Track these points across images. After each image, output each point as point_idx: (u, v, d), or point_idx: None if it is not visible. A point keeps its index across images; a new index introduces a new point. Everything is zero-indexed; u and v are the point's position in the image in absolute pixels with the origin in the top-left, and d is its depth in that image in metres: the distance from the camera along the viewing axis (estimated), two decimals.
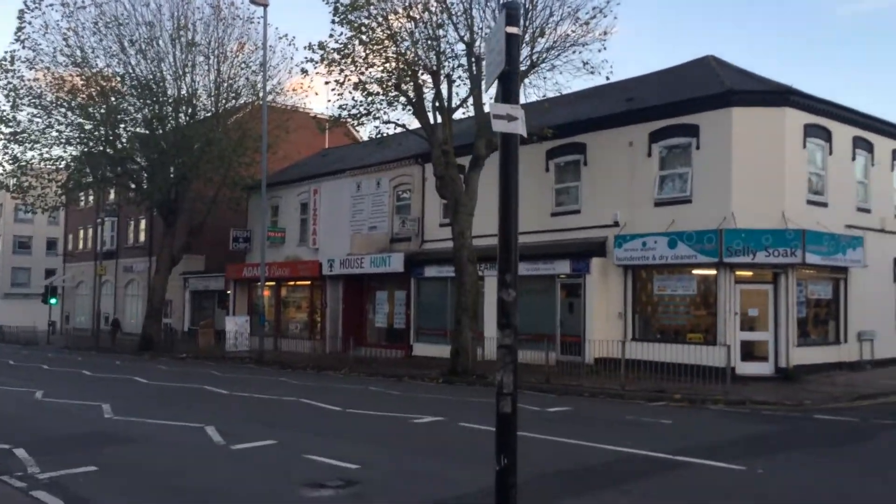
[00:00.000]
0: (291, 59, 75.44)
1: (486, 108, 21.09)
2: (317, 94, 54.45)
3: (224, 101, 33.88)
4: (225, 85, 33.65)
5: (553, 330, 21.97)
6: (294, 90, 35.09)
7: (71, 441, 10.84)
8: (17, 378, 21.17)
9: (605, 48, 20.55)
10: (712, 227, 18.45)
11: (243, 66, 33.67)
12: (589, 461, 9.05)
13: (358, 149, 35.46)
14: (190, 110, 33.38)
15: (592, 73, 20.18)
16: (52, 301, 40.85)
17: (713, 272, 18.84)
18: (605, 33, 20.82)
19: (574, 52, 20.12)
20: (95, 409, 14.17)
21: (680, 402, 14.76)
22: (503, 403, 5.17)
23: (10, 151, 32.31)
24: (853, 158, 21.01)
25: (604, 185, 21.57)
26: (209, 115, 33.48)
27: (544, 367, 20.21)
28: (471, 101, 21.25)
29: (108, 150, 33.21)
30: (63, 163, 33.82)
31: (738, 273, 18.61)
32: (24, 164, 32.74)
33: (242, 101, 34.79)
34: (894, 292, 22.09)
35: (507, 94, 5.27)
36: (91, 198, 45.41)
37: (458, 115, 21.97)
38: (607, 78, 20.85)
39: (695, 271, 19.38)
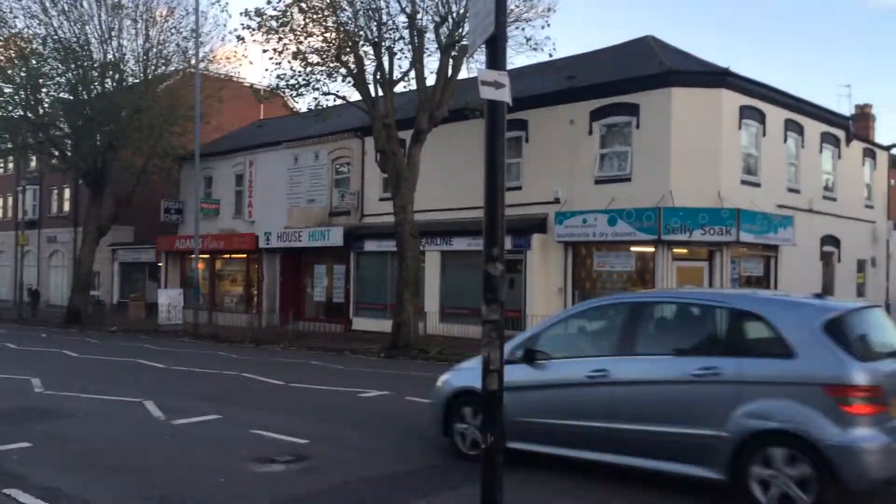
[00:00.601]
0: (224, 26, 73.44)
1: (429, 82, 20.96)
2: (251, 63, 53.03)
3: (153, 68, 32.56)
4: (154, 51, 32.31)
5: None
6: (227, 59, 34.07)
7: (2, 416, 10.37)
8: None
9: (548, 24, 20.55)
10: (651, 205, 18.84)
11: (173, 31, 32.36)
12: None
13: (294, 121, 34.61)
14: (117, 76, 31.98)
15: (535, 49, 20.28)
16: None
17: (651, 249, 19.30)
18: (549, 10, 20.92)
19: (517, 27, 20.09)
20: (24, 384, 13.60)
21: None
22: (490, 380, 5.06)
23: None
24: (784, 140, 21.74)
25: (545, 162, 21.74)
26: (138, 81, 32.18)
27: None
28: (412, 74, 21.05)
29: (28, 115, 31.61)
30: None
31: (675, 250, 19.10)
32: None
33: (173, 69, 33.55)
34: (820, 270, 23.10)
35: (495, 59, 5.16)
36: (11, 165, 43.24)
37: (398, 88, 21.73)
38: (550, 55, 20.99)
39: (633, 248, 19.81)
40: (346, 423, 9.76)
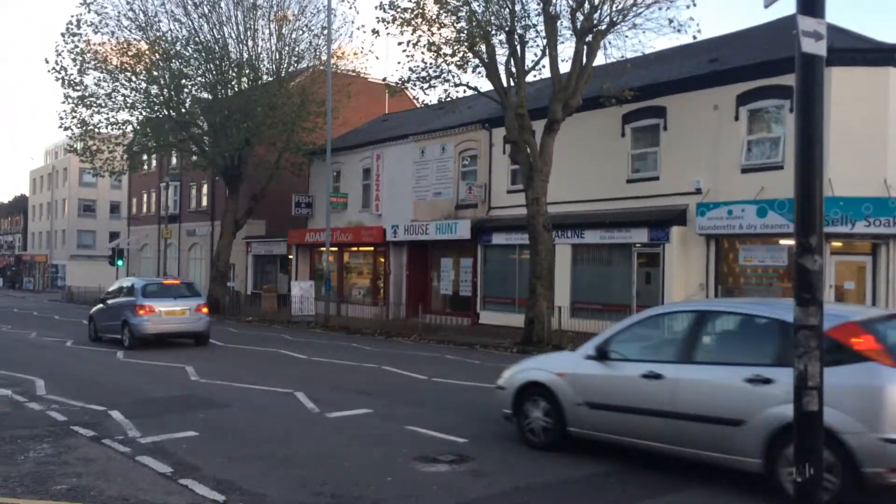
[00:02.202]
0: (353, 22, 74.98)
1: (563, 69, 20.34)
2: (377, 58, 54.05)
3: (286, 66, 33.64)
4: (287, 49, 33.38)
5: (629, 300, 21.33)
6: (355, 54, 34.66)
7: (164, 404, 10.75)
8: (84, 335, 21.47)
9: (694, 4, 19.37)
10: None
11: (305, 29, 33.29)
12: None
13: (419, 114, 34.87)
14: (252, 74, 33.22)
15: (679, 31, 19.20)
16: (119, 263, 41.60)
17: None
18: None
19: (658, 7, 19.12)
20: (180, 371, 14.16)
21: None
22: (807, 399, 4.25)
23: (77, 115, 32.62)
24: None
25: (685, 150, 20.65)
26: (271, 79, 33.29)
27: None
28: (544, 62, 20.55)
29: (171, 114, 33.34)
30: (129, 127, 34.05)
31: (833, 244, 17.65)
32: (91, 127, 33.08)
33: (304, 66, 34.51)
34: None
35: (812, 4, 4.28)
36: (154, 162, 45.91)
37: (529, 78, 21.22)
38: (694, 37, 19.85)
39: (785, 241, 18.45)
40: (501, 423, 9.40)
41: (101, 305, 20.76)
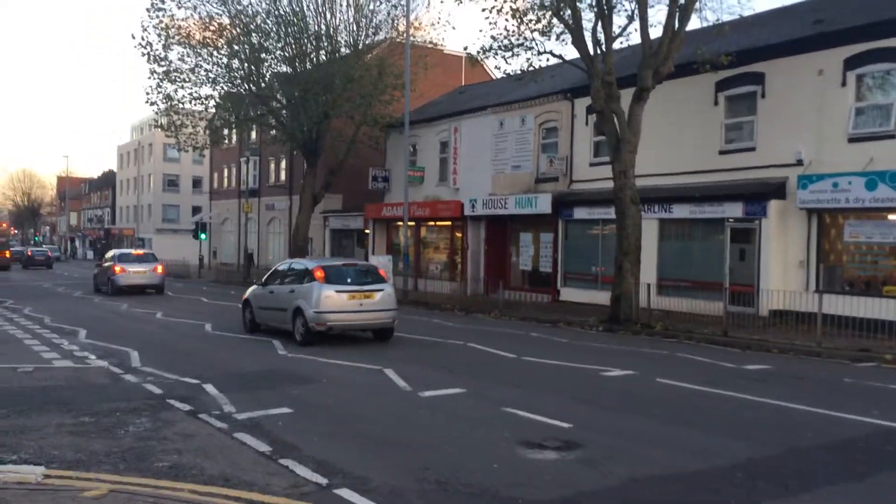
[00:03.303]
0: None
1: (653, 34, 19.36)
2: (454, 28, 53.00)
3: (363, 37, 33.43)
4: (364, 20, 33.13)
5: (721, 278, 20.33)
6: (432, 25, 34.11)
7: (255, 378, 10.71)
8: (181, 310, 21.93)
9: None
10: None
11: (383, 0, 32.92)
12: (841, 434, 7.72)
13: (496, 86, 34.18)
14: (330, 47, 33.16)
15: None
16: (202, 236, 42.62)
17: None
18: None
19: None
20: (268, 345, 14.20)
21: (893, 364, 13.06)
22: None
23: (163, 90, 33.27)
24: None
25: (785, 119, 19.43)
26: (349, 52, 33.16)
27: (713, 318, 18.90)
28: (634, 27, 19.62)
29: (251, 89, 33.63)
30: (211, 101, 34.56)
31: None
32: (175, 102, 33.71)
33: (381, 37, 34.23)
34: None
35: None
36: (234, 137, 46.69)
37: (615, 45, 20.30)
38: None
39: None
40: (605, 407, 8.99)
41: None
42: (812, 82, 18.83)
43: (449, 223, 31.29)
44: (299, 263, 16.37)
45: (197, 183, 72.92)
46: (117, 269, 28.61)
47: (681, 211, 21.49)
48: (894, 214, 17.23)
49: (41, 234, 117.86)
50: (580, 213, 24.90)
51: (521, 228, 28.02)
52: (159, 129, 39.57)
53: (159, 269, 29.74)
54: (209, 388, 9.83)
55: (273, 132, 36.40)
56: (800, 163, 18.95)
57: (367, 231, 36.49)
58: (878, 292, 17.55)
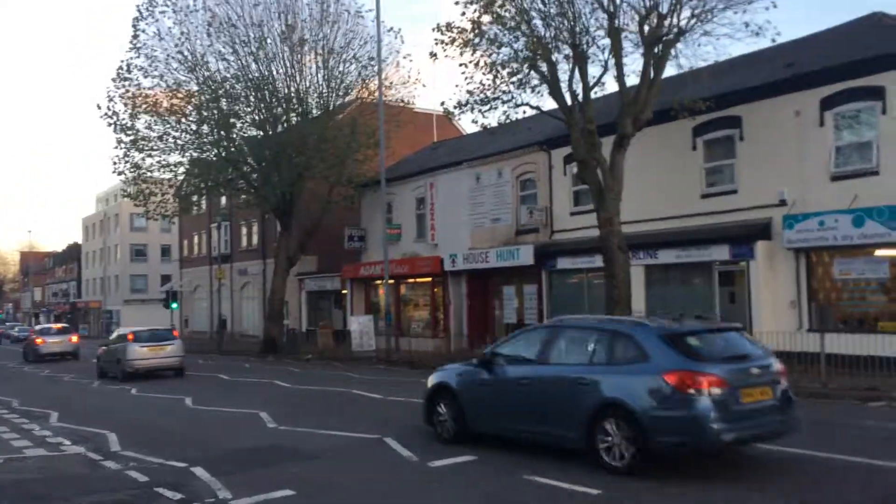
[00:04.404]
0: (398, 52, 75.31)
1: (630, 82, 19.40)
2: (424, 86, 53.34)
3: (334, 98, 33.38)
4: (335, 82, 33.11)
5: None
6: (403, 84, 34.24)
7: (248, 456, 9.94)
8: (157, 384, 20.95)
9: (774, 5, 18.26)
10: None
11: (353, 60, 33.00)
12: (885, 482, 7.25)
13: (470, 140, 34.27)
14: (300, 109, 33.02)
15: (757, 34, 18.08)
16: (174, 306, 41.53)
17: None
18: None
19: (734, 11, 18.06)
20: (254, 418, 13.39)
21: None
22: None
23: (130, 159, 32.73)
24: None
25: (765, 161, 19.47)
26: (320, 113, 33.03)
27: None
28: (609, 76, 19.71)
29: (221, 153, 33.20)
30: (181, 168, 34.03)
31: None
32: (143, 171, 33.13)
33: (352, 97, 34.23)
34: None
35: None
36: (203, 203, 46.04)
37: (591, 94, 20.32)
38: (773, 40, 18.66)
39: (886, 251, 17.10)
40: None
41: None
42: (790, 123, 18.95)
43: (429, 279, 30.80)
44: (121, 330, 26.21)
45: (165, 251, 71.71)
46: (38, 340, 35.34)
47: (667, 256, 21.27)
48: (883, 250, 17.16)
49: (4, 311, 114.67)
50: (564, 262, 24.59)
51: (504, 281, 27.63)
52: (126, 199, 38.94)
53: (74, 338, 37.14)
54: (199, 471, 9.05)
55: (244, 196, 35.89)
56: (783, 203, 18.91)
57: (344, 291, 35.84)
58: (872, 328, 17.35)
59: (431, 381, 10.82)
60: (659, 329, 8.40)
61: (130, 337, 23.21)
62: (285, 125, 33.12)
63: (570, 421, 8.44)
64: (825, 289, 18.62)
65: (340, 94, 33.55)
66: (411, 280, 32.11)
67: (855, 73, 17.64)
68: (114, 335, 26.56)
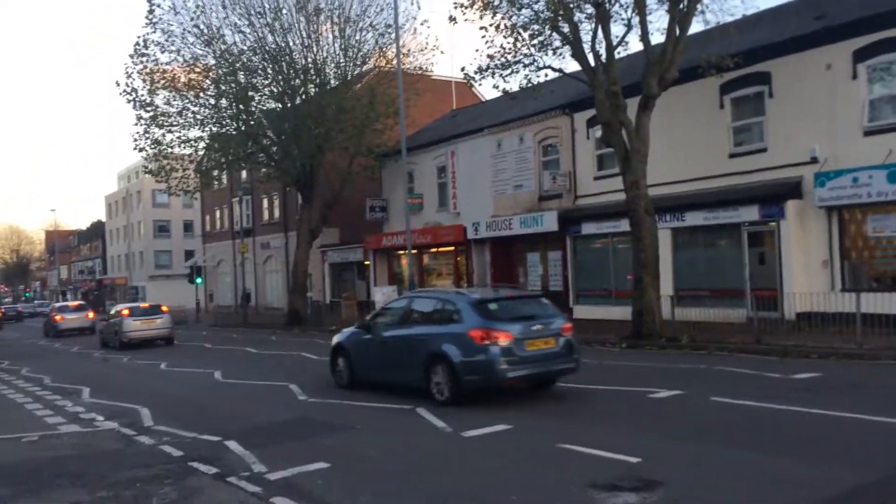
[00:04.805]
0: (415, 18, 74.30)
1: (654, 40, 18.90)
2: (442, 52, 52.11)
3: (352, 68, 33.01)
4: (352, 51, 32.71)
5: (742, 284, 19.74)
6: (421, 51, 33.74)
7: (280, 429, 9.93)
8: (186, 358, 21.11)
9: None
10: None
11: (369, 28, 32.54)
12: None
13: (490, 106, 33.80)
14: (318, 80, 32.70)
15: None
16: (198, 280, 41.80)
17: None
18: None
19: None
20: (284, 390, 13.41)
21: None
22: None
23: (150, 135, 32.70)
24: None
25: (795, 117, 18.95)
26: (338, 83, 32.71)
27: (736, 326, 18.27)
28: (633, 35, 19.20)
29: (241, 127, 33.07)
30: (201, 143, 33.97)
31: None
32: (164, 146, 33.11)
33: (370, 66, 33.82)
34: None
35: None
36: (224, 178, 46.06)
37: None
38: None
39: None
40: (669, 435, 8.23)
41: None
42: (821, 78, 18.39)
43: (452, 248, 30.65)
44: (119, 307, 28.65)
45: (188, 227, 72.14)
46: (57, 317, 37.77)
47: (694, 218, 20.89)
48: None
49: (32, 289, 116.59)
50: (588, 228, 24.29)
51: (528, 248, 27.40)
52: (148, 176, 39.02)
53: (90, 315, 38.77)
54: (232, 445, 9.04)
55: (264, 170, 35.80)
56: (815, 160, 18.44)
57: (367, 262, 35.80)
58: None
59: (333, 341, 13.79)
60: (469, 298, 11.20)
61: (126, 312, 27.10)
62: (303, 97, 32.85)
63: (416, 368, 11.21)
64: (857, 247, 18.19)
65: (358, 63, 33.16)
66: (434, 249, 31.97)
67: (889, 24, 17.02)
68: (112, 311, 30.06)
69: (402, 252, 32.13)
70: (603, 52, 19.25)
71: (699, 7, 18.54)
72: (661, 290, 20.24)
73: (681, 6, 18.32)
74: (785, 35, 19.64)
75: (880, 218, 17.45)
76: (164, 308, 28.87)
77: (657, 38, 19.27)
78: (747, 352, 15.12)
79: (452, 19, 19.88)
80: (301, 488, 6.99)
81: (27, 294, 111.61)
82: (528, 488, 6.56)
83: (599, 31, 19.03)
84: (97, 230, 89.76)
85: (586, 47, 19.37)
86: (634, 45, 20.00)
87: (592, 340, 18.90)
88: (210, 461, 8.31)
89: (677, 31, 18.37)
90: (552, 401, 10.87)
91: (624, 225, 21.00)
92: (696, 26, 19.43)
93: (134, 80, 31.91)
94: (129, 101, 32.10)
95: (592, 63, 19.35)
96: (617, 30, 19.18)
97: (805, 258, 18.66)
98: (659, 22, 17.64)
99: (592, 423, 8.91)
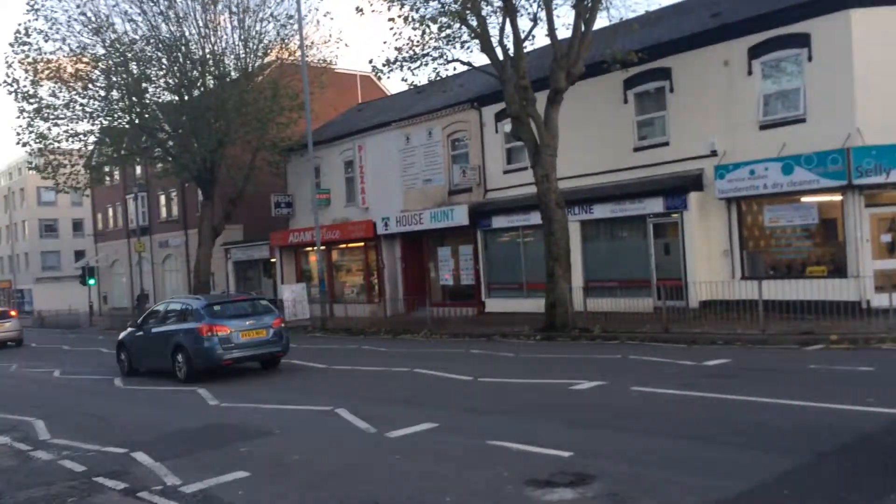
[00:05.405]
0: (317, 10, 72.91)
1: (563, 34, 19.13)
2: (346, 45, 51.16)
3: (253, 59, 31.94)
4: (253, 42, 31.64)
5: (648, 274, 20.31)
6: (325, 43, 33.04)
7: (192, 437, 9.38)
8: (82, 365, 19.88)
9: None
10: (836, 146, 16.55)
11: (270, 19, 31.55)
12: (854, 429, 7.18)
13: (397, 100, 33.49)
14: (217, 71, 31.46)
15: None
16: (91, 282, 39.57)
17: (838, 197, 17.01)
18: None
19: None
20: (192, 395, 12.76)
21: (840, 344, 13.05)
22: None
23: (35, 128, 30.61)
24: None
25: (695, 112, 19.62)
26: (238, 75, 31.58)
27: (645, 315, 18.79)
28: (538, 30, 19.39)
29: (134, 120, 31.43)
30: (91, 137, 32.09)
31: (867, 196, 16.76)
32: (50, 141, 31.08)
33: (272, 59, 32.85)
34: None
35: None
36: (117, 174, 43.75)
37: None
38: None
39: (814, 198, 17.55)
40: (596, 427, 8.25)
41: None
42: (719, 73, 19.09)
43: (362, 244, 30.21)
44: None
45: (77, 226, 68.27)
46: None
47: (602, 211, 21.33)
48: (810, 196, 17.59)
49: None
50: (499, 221, 24.42)
51: (439, 243, 27.33)
52: (33, 172, 36.54)
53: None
54: (140, 456, 8.46)
55: (161, 165, 34.18)
56: (714, 153, 19.15)
57: (273, 260, 34.85)
58: (801, 274, 17.86)
59: (119, 338, 17.45)
60: (201, 302, 15.23)
61: None
62: (202, 89, 31.51)
63: (167, 356, 14.96)
64: (755, 237, 19.03)
65: (259, 55, 32.10)
66: (343, 245, 31.43)
67: (781, 22, 17.84)
68: None
69: (310, 249, 31.46)
70: (511, 46, 19.34)
71: (603, 2, 18.89)
72: (572, 281, 20.60)
73: (585, 2, 18.61)
74: (684, 31, 20.30)
75: (776, 208, 18.29)
76: (13, 312, 33.60)
77: (563, 32, 19.56)
78: (657, 340, 15.53)
79: (359, 10, 19.50)
80: (221, 501, 6.57)
81: None
82: (462, 489, 6.38)
83: (507, 25, 19.10)
84: None
85: (494, 41, 19.40)
86: (542, 39, 20.46)
87: (508, 333, 19.02)
88: (117, 475, 7.73)
89: (583, 27, 18.64)
90: (473, 396, 10.76)
91: (534, 218, 21.21)
92: (601, 21, 19.84)
93: (15, 70, 29.84)
94: (10, 93, 29.94)
95: (501, 57, 19.40)
96: (524, 24, 19.34)
97: (707, 248, 19.36)
98: (566, 17, 17.90)
99: (519, 418, 8.85)
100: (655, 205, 20.04)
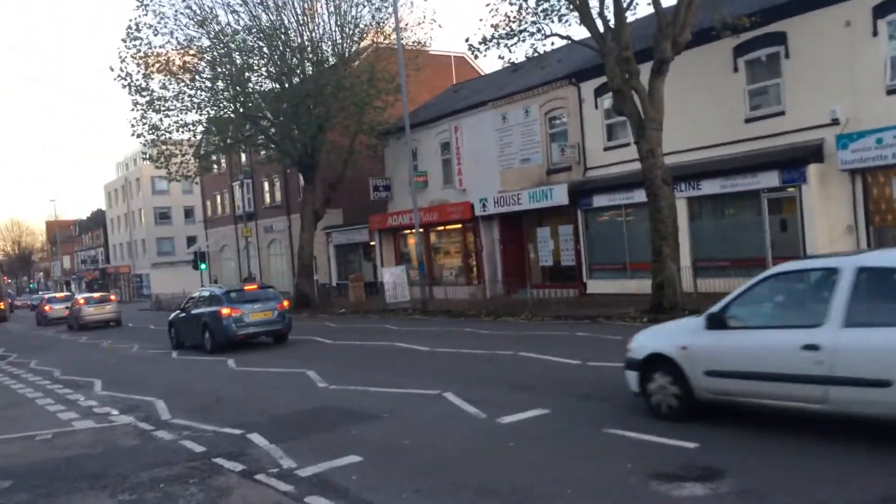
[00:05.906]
0: None
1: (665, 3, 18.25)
2: (440, 26, 51.03)
3: (349, 45, 32.29)
4: (348, 27, 31.98)
5: (763, 252, 19.26)
6: (418, 24, 32.97)
7: (304, 420, 9.51)
8: (157, 341, 21.09)
9: None
10: None
11: (365, 3, 31.78)
12: None
13: (492, 80, 33.09)
14: (315, 58, 32.00)
15: None
16: (202, 267, 41.30)
17: None
18: None
19: None
20: (301, 377, 13.00)
21: None
22: None
23: (148, 120, 32.08)
24: None
25: (814, 78, 18.35)
26: (335, 61, 32.02)
27: None
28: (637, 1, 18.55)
29: (239, 109, 32.43)
30: (199, 127, 33.38)
31: None
32: (161, 131, 32.51)
33: (367, 43, 33.11)
34: None
35: None
36: (224, 162, 45.43)
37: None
38: None
39: None
40: (719, 416, 7.77)
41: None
42: (839, 36, 17.77)
43: (459, 226, 30.14)
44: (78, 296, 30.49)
45: (189, 213, 71.58)
46: (47, 308, 42.32)
47: (710, 187, 20.36)
48: None
49: (35, 280, 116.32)
50: (600, 200, 23.76)
51: (538, 223, 26.89)
52: (147, 163, 38.46)
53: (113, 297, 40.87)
54: (256, 438, 8.63)
55: (264, 152, 35.20)
56: (836, 122, 17.87)
57: (372, 243, 35.33)
58: None
59: (169, 318, 21.34)
60: (222, 290, 19.31)
61: (83, 302, 35.19)
62: (301, 76, 32.17)
63: (200, 333, 18.81)
64: (882, 211, 17.69)
65: (355, 39, 32.47)
66: (441, 227, 31.45)
67: None
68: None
69: (408, 231, 31.67)
70: (612, 16, 18.64)
71: None
72: (680, 261, 19.81)
73: None
74: None
75: None
76: (113, 297, 38.57)
77: (667, 1, 18.64)
78: None
79: None
80: (337, 486, 6.56)
81: (31, 286, 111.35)
82: (583, 480, 6.13)
83: None
84: (98, 219, 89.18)
85: (594, 12, 18.77)
86: (643, 9, 19.60)
87: (612, 315, 18.51)
88: (235, 457, 7.90)
89: None
90: (583, 382, 10.43)
91: (637, 196, 20.51)
92: None
93: (128, 64, 31.28)
94: (124, 87, 31.52)
95: (601, 29, 18.74)
96: None
97: (829, 223, 18.16)
98: None
99: (635, 405, 8.47)
100: (770, 178, 18.93)
